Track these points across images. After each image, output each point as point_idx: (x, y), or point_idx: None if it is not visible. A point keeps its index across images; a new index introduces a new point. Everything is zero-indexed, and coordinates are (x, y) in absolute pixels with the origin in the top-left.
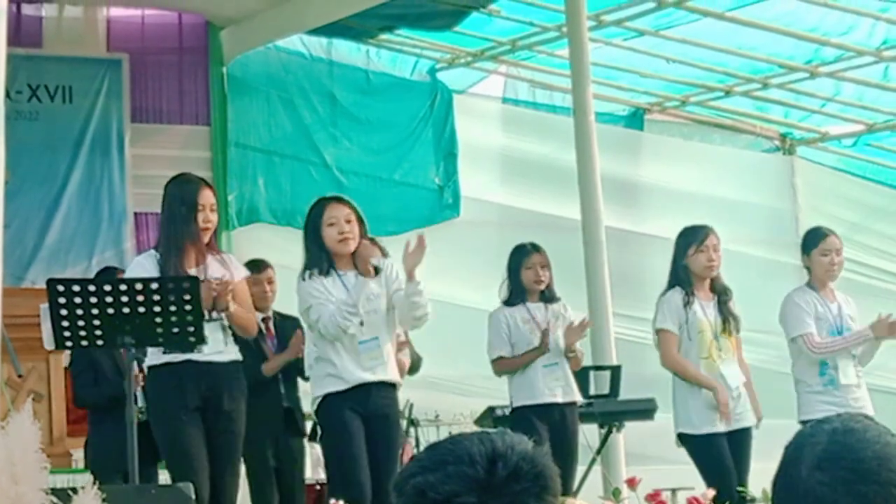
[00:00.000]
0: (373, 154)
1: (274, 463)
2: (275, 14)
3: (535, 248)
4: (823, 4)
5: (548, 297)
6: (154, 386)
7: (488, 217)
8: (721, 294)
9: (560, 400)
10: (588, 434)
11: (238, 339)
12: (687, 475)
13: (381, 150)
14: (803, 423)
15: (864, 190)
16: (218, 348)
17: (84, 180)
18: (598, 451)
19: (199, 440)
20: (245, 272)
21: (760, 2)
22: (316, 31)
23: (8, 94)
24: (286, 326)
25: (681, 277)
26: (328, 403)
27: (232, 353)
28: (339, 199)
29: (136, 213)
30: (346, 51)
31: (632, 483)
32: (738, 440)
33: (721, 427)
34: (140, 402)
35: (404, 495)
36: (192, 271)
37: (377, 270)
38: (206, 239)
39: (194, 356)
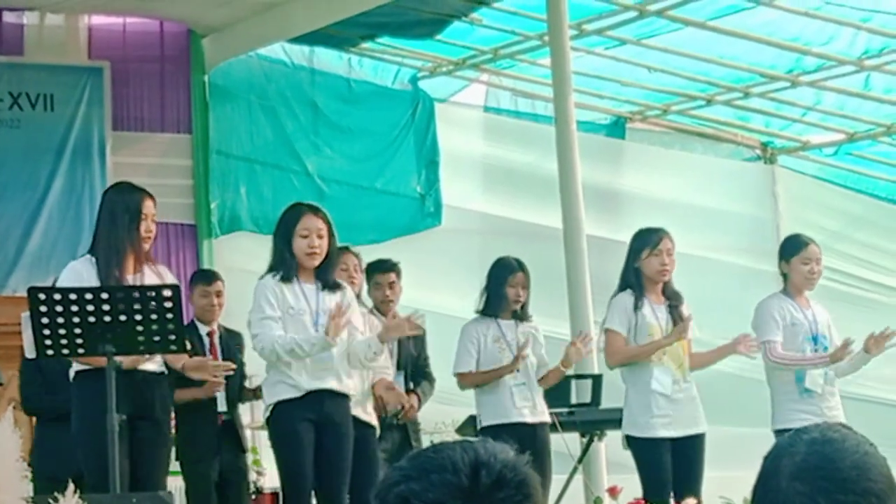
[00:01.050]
0: (354, 162)
1: (216, 478)
2: (257, 22)
3: (521, 266)
4: (805, 14)
5: (520, 315)
6: (78, 392)
7: (470, 225)
8: (672, 298)
9: (529, 420)
10: (569, 443)
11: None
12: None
13: (362, 159)
14: (778, 431)
15: (845, 199)
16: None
17: (65, 188)
18: (580, 461)
19: (123, 450)
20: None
21: (742, 11)
22: (298, 40)
23: None
24: (231, 343)
25: (631, 280)
26: (280, 411)
27: (159, 365)
28: (315, 211)
29: None
30: (327, 59)
31: (613, 492)
32: (688, 446)
33: (666, 433)
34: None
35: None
36: (130, 279)
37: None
38: (145, 248)
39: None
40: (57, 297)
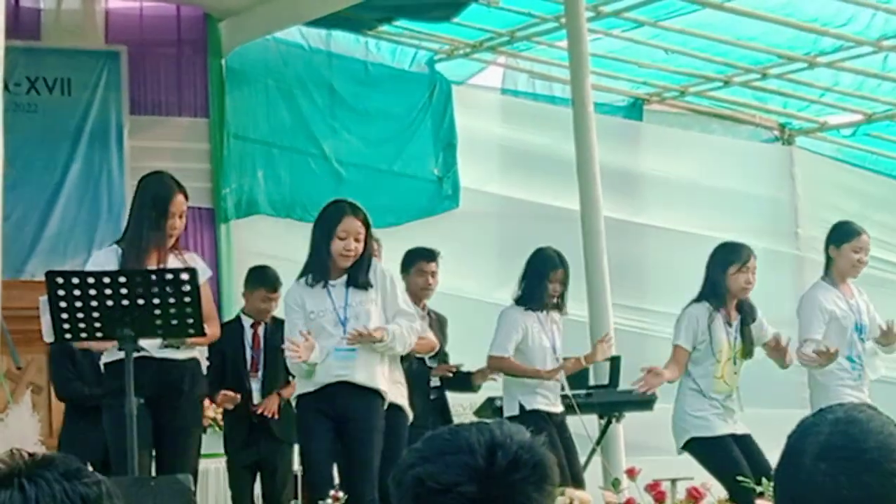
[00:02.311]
0: (372, 145)
1: (251, 466)
2: (273, 5)
3: (562, 262)
4: None
5: (555, 306)
6: (108, 381)
7: (487, 208)
8: (746, 314)
9: (558, 410)
10: (588, 424)
11: (223, 346)
12: (686, 466)
13: (379, 142)
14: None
15: (863, 179)
16: (173, 346)
17: (83, 173)
18: (598, 442)
19: (145, 439)
20: (208, 273)
21: None
22: (315, 23)
23: (6, 87)
24: (276, 333)
25: (712, 292)
26: (299, 404)
27: (190, 352)
28: (356, 212)
29: None
30: (344, 42)
31: (631, 473)
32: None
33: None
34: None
35: (403, 485)
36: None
37: (367, 284)
38: (170, 243)
39: (147, 353)
40: (75, 280)
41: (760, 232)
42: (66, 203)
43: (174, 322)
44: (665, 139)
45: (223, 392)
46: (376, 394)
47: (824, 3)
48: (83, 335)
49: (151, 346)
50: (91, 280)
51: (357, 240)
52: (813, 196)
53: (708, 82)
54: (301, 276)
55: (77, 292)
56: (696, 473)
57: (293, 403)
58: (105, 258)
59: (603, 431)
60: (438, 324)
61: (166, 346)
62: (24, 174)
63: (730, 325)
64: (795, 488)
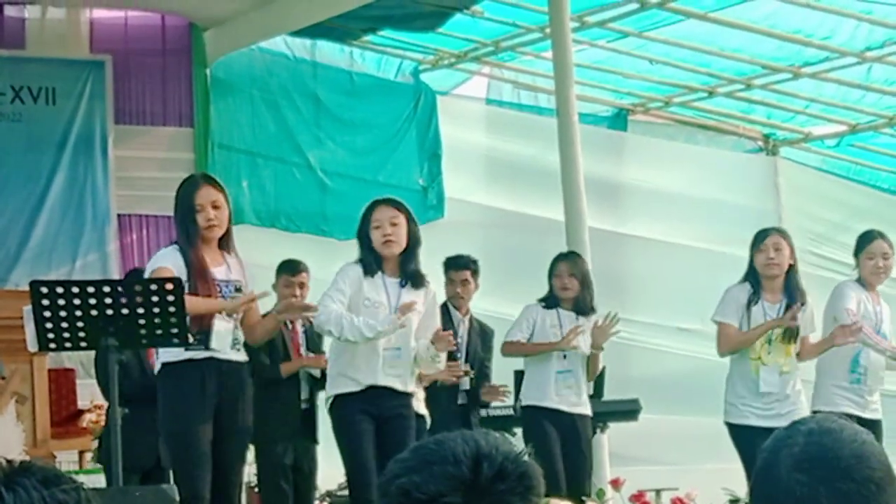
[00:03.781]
0: (356, 155)
1: (290, 461)
2: (258, 15)
3: (563, 256)
4: (806, 5)
5: (579, 308)
6: (171, 382)
7: (472, 218)
8: (791, 297)
9: (567, 409)
10: None
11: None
12: (671, 476)
13: (364, 152)
14: (815, 412)
15: (847, 190)
16: (236, 346)
17: (67, 182)
18: None
19: (208, 439)
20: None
21: (743, 3)
22: (299, 33)
23: None
24: (315, 332)
25: (751, 273)
26: (339, 404)
27: (244, 354)
28: (387, 202)
29: (119, 215)
30: (329, 52)
31: (616, 484)
32: None
33: (759, 422)
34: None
35: (389, 496)
36: (214, 272)
37: (420, 283)
38: (214, 236)
39: (216, 354)
40: (59, 290)
41: (745, 242)
42: (51, 212)
43: (158, 332)
44: (649, 150)
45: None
46: (410, 395)
47: (808, 15)
48: (67, 345)
49: (222, 346)
50: (75, 289)
51: (393, 224)
52: (797, 206)
53: (692, 93)
54: (357, 261)
55: (61, 301)
56: (681, 483)
57: (328, 401)
58: (169, 255)
59: None
60: (481, 333)
61: (232, 347)
62: (9, 183)
63: (773, 305)
64: (773, 501)
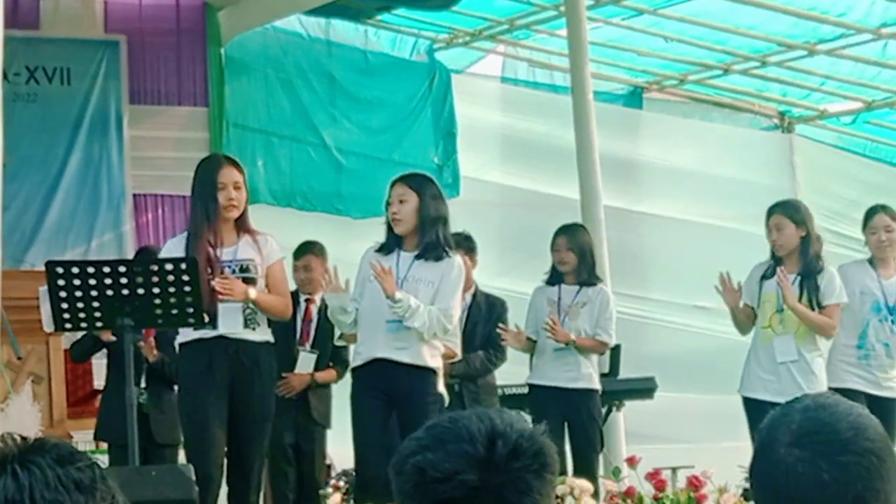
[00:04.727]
0: (371, 134)
1: (290, 441)
2: None
3: (561, 230)
4: None
5: (581, 281)
6: (182, 363)
7: (487, 197)
8: (804, 269)
9: (566, 385)
10: None
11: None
12: (687, 454)
13: (379, 131)
14: (831, 389)
15: (863, 167)
16: (250, 326)
17: (82, 162)
18: None
19: (221, 420)
20: (279, 255)
21: None
22: (314, 12)
23: (5, 77)
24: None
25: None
26: (353, 380)
27: (265, 334)
28: (402, 179)
29: (134, 195)
30: (344, 31)
31: (632, 462)
32: None
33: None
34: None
35: (403, 474)
36: (221, 252)
37: (439, 256)
38: (231, 216)
39: (227, 333)
40: (75, 270)
41: (760, 220)
42: (66, 193)
43: (174, 311)
44: (664, 127)
45: None
46: (427, 371)
47: None
48: (83, 325)
49: (231, 326)
50: (91, 269)
51: (401, 202)
52: (813, 184)
53: (707, 70)
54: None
55: (77, 282)
56: (697, 462)
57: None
58: (175, 245)
59: (603, 420)
60: (487, 307)
61: (245, 327)
62: (24, 164)
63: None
64: (774, 479)
